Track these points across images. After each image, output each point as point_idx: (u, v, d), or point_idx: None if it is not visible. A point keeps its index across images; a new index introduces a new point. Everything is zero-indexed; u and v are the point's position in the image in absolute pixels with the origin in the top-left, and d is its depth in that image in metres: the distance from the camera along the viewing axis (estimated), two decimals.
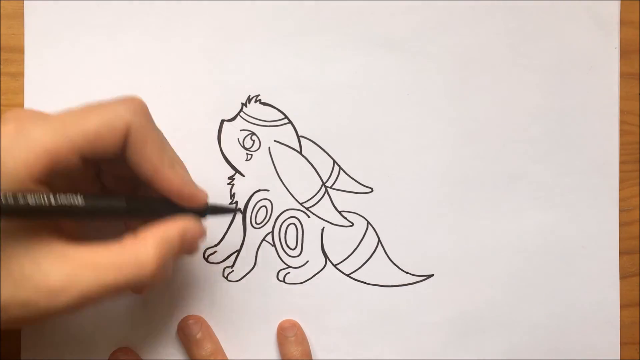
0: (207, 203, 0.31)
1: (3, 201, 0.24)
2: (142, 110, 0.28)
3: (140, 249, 0.27)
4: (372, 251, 0.37)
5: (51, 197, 0.26)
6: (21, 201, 0.25)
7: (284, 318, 0.37)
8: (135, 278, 0.26)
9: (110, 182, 0.32)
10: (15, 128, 0.26)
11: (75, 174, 0.29)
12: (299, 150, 0.37)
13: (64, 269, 0.26)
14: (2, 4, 0.36)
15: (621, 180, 0.38)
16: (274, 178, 0.37)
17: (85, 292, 0.26)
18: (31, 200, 0.25)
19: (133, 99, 0.28)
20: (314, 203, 0.37)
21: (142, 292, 0.34)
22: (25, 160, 0.25)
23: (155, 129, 0.29)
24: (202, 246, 0.37)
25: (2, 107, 0.36)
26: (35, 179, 0.25)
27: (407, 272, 0.37)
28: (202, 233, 0.30)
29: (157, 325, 0.36)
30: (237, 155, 0.37)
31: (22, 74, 0.36)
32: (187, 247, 0.29)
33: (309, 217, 0.37)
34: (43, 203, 0.25)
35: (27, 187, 0.25)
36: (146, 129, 0.28)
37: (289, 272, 0.37)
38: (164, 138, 0.29)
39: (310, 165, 0.37)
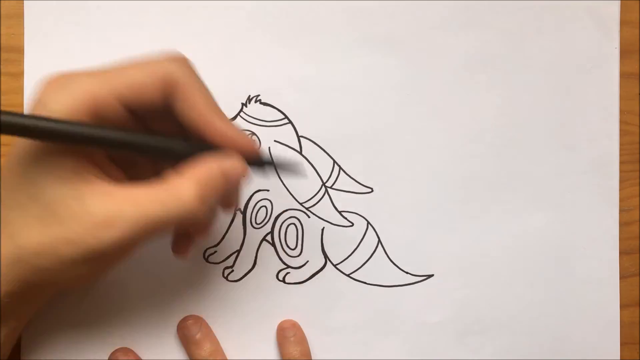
0: (258, 152, 0.30)
1: (53, 124, 0.25)
2: (186, 63, 0.28)
3: (182, 185, 0.27)
4: (372, 251, 0.37)
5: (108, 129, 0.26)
6: (72, 125, 0.25)
7: (284, 318, 0.37)
8: (178, 212, 0.27)
9: None
10: (59, 79, 0.27)
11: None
12: (299, 150, 0.37)
13: (107, 205, 0.26)
14: (2, 4, 0.36)
15: (621, 180, 0.38)
16: (274, 178, 0.37)
17: (130, 226, 0.26)
18: (86, 127, 0.25)
19: (176, 54, 0.29)
20: (314, 203, 0.37)
21: (192, 237, 0.33)
22: (70, 105, 0.25)
23: (200, 81, 0.29)
24: (202, 246, 0.37)
25: (2, 107, 0.36)
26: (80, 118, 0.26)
27: (407, 272, 0.37)
28: (245, 170, 0.29)
29: (157, 325, 0.36)
30: None
31: (22, 74, 0.36)
32: (229, 183, 0.28)
33: (309, 217, 0.37)
34: (99, 131, 0.26)
35: None
36: (192, 80, 0.28)
37: (289, 272, 0.37)
38: (208, 90, 0.29)
39: (310, 165, 0.37)
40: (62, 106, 0.26)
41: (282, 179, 0.37)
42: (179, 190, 0.27)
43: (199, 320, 0.36)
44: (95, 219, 0.26)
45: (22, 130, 0.25)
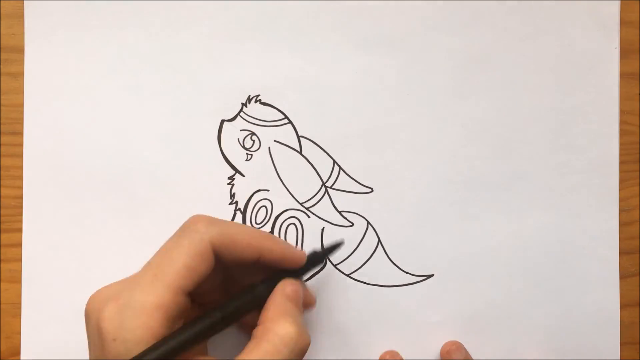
0: (304, 256, 0.32)
1: None
2: (210, 223, 0.29)
3: (278, 328, 0.28)
4: (372, 251, 0.37)
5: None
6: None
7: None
8: (299, 350, 0.28)
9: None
10: (115, 307, 0.27)
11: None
12: (299, 150, 0.37)
13: None
14: (2, 4, 0.36)
15: (621, 180, 0.38)
16: (274, 178, 0.37)
17: None
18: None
19: (198, 219, 0.30)
20: (314, 203, 0.37)
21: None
22: (141, 325, 0.26)
23: (228, 223, 0.30)
24: None
25: (2, 107, 0.36)
26: (158, 335, 0.26)
27: (407, 272, 0.37)
28: (303, 289, 0.32)
29: None
30: (237, 155, 0.37)
31: (22, 74, 0.36)
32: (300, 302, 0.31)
33: (309, 217, 0.37)
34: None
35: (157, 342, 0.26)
36: (226, 234, 0.29)
37: None
38: (236, 223, 0.31)
39: (310, 165, 0.37)
40: (133, 332, 0.26)
41: (282, 179, 0.37)
42: (281, 334, 0.28)
43: None
44: None
45: None
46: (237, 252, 0.29)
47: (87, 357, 0.36)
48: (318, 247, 0.37)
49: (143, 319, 0.26)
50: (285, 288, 0.30)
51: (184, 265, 0.28)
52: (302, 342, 0.28)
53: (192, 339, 0.27)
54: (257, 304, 0.30)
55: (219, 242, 0.29)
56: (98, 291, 0.29)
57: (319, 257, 0.33)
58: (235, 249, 0.29)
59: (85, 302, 0.31)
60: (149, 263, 0.29)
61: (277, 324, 0.28)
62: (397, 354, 0.37)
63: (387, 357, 0.37)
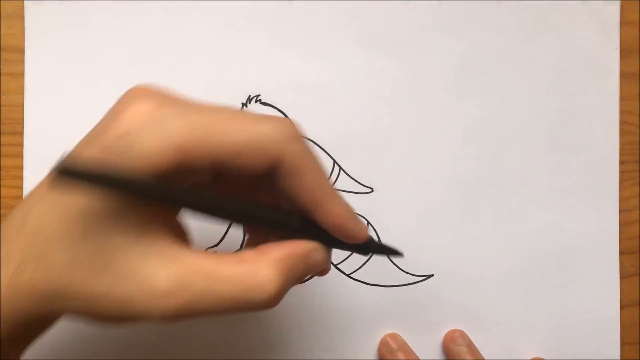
0: (367, 240, 0.27)
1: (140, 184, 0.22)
2: (295, 135, 0.24)
3: (262, 267, 0.23)
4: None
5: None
6: (171, 191, 0.22)
7: (283, 318, 0.37)
8: (253, 297, 0.23)
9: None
10: (152, 109, 0.23)
11: (198, 178, 0.25)
12: None
13: (174, 271, 0.22)
14: (2, 4, 0.36)
15: (621, 180, 0.38)
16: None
17: (194, 300, 0.22)
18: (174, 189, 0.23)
19: (285, 121, 0.24)
20: None
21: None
22: (159, 152, 0.22)
23: (312, 155, 0.25)
24: (202, 246, 0.37)
25: (2, 107, 0.36)
26: (157, 173, 0.22)
27: (407, 272, 0.37)
28: (326, 266, 0.27)
29: (157, 325, 0.36)
30: None
31: (22, 74, 0.36)
32: (308, 273, 0.26)
33: None
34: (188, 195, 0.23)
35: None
36: (303, 157, 0.24)
37: None
38: (322, 164, 0.25)
39: None
40: (150, 151, 0.22)
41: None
42: (258, 272, 0.23)
43: None
44: (156, 284, 0.22)
45: (114, 185, 0.21)
46: (294, 182, 0.24)
47: (85, 357, 0.36)
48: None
49: (165, 143, 0.22)
50: (313, 255, 0.25)
51: (236, 142, 0.23)
52: (272, 294, 0.23)
53: (228, 212, 0.24)
54: (279, 229, 0.26)
55: (290, 159, 0.24)
56: (156, 87, 0.25)
57: (374, 248, 0.28)
58: (294, 177, 0.24)
59: None
60: (212, 106, 0.24)
61: (267, 273, 0.23)
62: (398, 335, 0.37)
63: (388, 339, 0.36)
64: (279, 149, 0.23)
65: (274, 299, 0.24)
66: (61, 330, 0.36)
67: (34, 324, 0.24)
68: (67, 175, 0.21)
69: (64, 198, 0.23)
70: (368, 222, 0.37)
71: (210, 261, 0.23)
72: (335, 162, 0.37)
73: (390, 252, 0.30)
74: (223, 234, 0.37)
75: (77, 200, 0.23)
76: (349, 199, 0.37)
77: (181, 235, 0.26)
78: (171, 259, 0.23)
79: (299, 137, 0.24)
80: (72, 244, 0.23)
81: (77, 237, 0.23)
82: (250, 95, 0.37)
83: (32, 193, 0.25)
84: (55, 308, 0.23)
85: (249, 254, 0.24)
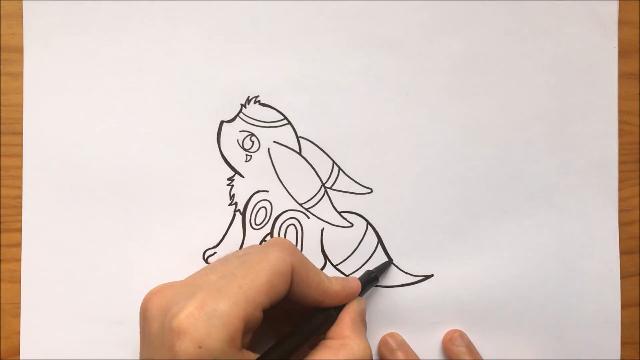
0: (359, 291, 0.34)
1: None
2: (294, 249, 0.31)
3: (354, 343, 0.31)
4: (372, 251, 0.37)
5: None
6: None
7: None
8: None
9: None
10: (200, 314, 0.27)
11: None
12: (298, 151, 0.37)
13: None
14: (1, 4, 0.36)
15: (621, 180, 0.38)
16: (273, 179, 0.37)
17: None
18: None
19: (283, 241, 0.32)
20: (313, 204, 0.37)
21: None
22: (227, 338, 0.26)
23: (306, 260, 0.32)
24: (202, 247, 0.37)
25: (2, 107, 0.36)
26: (238, 348, 0.27)
27: (407, 272, 0.37)
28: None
29: None
30: (236, 156, 0.37)
31: (21, 74, 0.36)
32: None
33: (308, 217, 0.37)
34: None
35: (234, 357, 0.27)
36: (303, 265, 0.31)
37: None
38: (311, 263, 0.32)
39: (309, 166, 0.37)
40: (220, 342, 0.26)
41: (282, 179, 0.37)
42: (355, 348, 0.31)
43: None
44: None
45: None
46: (303, 286, 0.31)
47: (85, 357, 0.36)
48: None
49: (230, 330, 0.27)
50: (357, 307, 0.33)
51: (267, 282, 0.29)
52: (370, 354, 0.31)
53: (285, 354, 0.30)
54: (329, 322, 0.33)
55: (297, 269, 0.30)
56: (160, 290, 0.30)
57: (374, 278, 0.36)
58: (303, 282, 0.31)
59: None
60: (233, 275, 0.29)
61: (352, 339, 0.31)
62: (397, 335, 0.37)
63: (387, 338, 0.37)
64: (290, 264, 0.30)
65: (371, 354, 0.32)
66: (61, 330, 0.36)
67: None
68: None
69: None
70: (368, 222, 0.37)
71: None
72: (334, 162, 0.37)
73: (384, 268, 0.37)
74: (223, 234, 0.37)
75: None
76: (349, 199, 0.37)
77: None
78: None
79: (296, 251, 0.31)
80: None
81: None
82: (249, 96, 0.37)
83: None
84: None
85: (334, 345, 0.31)
